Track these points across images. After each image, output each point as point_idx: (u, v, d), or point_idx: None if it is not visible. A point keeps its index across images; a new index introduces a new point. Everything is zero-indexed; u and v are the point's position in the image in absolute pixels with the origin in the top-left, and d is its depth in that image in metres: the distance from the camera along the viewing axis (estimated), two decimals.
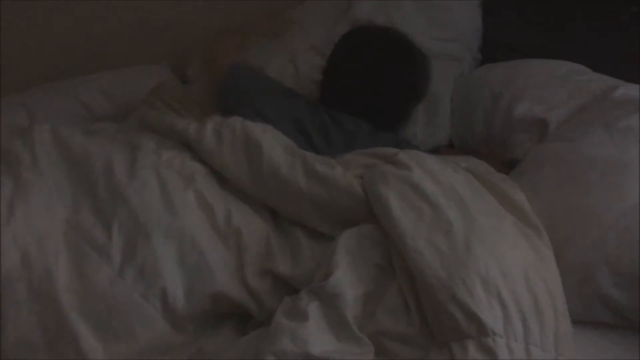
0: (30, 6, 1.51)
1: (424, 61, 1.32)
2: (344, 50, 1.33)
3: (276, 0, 1.89)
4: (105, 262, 0.94)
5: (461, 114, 1.41)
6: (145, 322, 0.93)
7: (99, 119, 1.49)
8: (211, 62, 1.33)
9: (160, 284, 0.94)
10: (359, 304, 0.88)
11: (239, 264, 0.99)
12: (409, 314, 0.87)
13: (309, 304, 0.86)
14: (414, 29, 1.40)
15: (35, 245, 0.93)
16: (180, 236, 0.97)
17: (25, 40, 1.55)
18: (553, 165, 1.09)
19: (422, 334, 0.84)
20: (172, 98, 1.31)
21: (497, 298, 0.81)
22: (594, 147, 1.08)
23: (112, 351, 0.89)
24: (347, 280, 0.88)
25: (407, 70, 1.29)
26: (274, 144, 1.06)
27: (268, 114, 1.19)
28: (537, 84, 1.30)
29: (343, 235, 0.96)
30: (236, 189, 1.07)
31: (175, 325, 0.96)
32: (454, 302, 0.81)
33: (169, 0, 1.73)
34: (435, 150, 1.43)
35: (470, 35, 1.59)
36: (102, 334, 0.90)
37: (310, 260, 1.00)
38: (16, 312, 0.88)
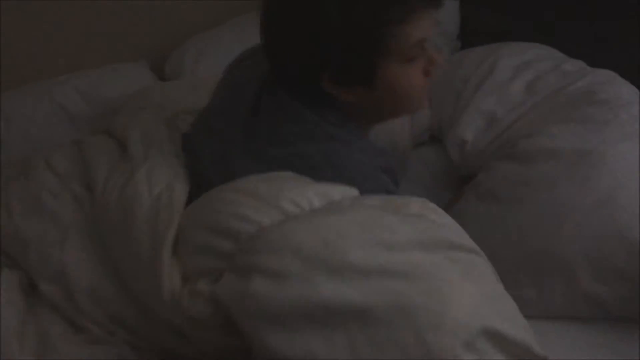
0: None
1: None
2: None
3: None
4: None
5: (436, 96, 1.38)
6: None
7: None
8: None
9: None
10: None
11: None
12: None
13: None
14: None
15: None
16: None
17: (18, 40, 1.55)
18: (519, 162, 1.07)
19: None
20: None
21: None
22: (553, 139, 1.05)
23: None
24: None
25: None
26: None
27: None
28: (500, 71, 1.29)
29: None
30: None
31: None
32: None
33: None
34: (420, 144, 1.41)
35: (448, 23, 1.57)
36: None
37: None
38: None
